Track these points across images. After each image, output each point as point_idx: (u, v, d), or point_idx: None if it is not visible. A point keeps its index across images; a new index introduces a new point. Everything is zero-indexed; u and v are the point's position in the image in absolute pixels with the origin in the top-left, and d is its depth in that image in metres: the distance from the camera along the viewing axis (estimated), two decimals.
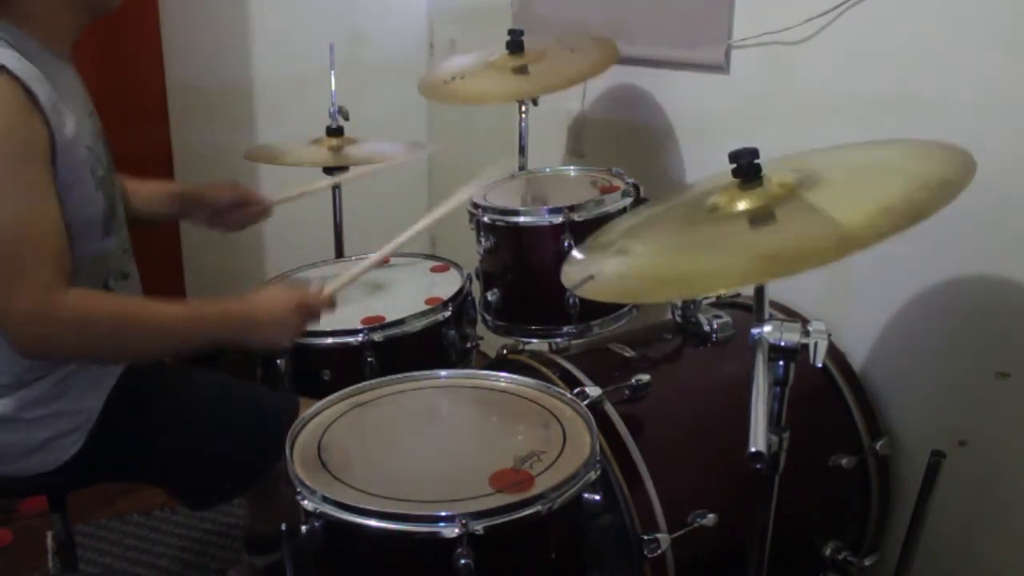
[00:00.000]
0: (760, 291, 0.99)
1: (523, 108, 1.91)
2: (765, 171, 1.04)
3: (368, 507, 0.97)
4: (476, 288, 1.68)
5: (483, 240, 1.62)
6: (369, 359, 1.45)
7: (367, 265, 1.43)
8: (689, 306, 1.52)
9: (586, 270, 1.12)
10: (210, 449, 1.34)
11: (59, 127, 1.17)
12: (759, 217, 1.00)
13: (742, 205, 1.02)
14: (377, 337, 1.46)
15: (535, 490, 0.99)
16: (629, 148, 2.09)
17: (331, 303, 1.35)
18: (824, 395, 1.45)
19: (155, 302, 1.23)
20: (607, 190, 1.67)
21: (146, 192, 1.52)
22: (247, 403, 1.40)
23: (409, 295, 1.61)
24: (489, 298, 1.65)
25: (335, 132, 2.00)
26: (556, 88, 1.84)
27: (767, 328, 0.92)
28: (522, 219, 1.58)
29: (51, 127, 1.16)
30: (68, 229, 1.18)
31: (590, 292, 1.05)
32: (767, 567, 1.06)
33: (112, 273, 1.35)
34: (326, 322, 1.50)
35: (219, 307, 1.27)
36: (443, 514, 0.95)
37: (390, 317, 1.50)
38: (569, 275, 1.13)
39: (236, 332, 1.28)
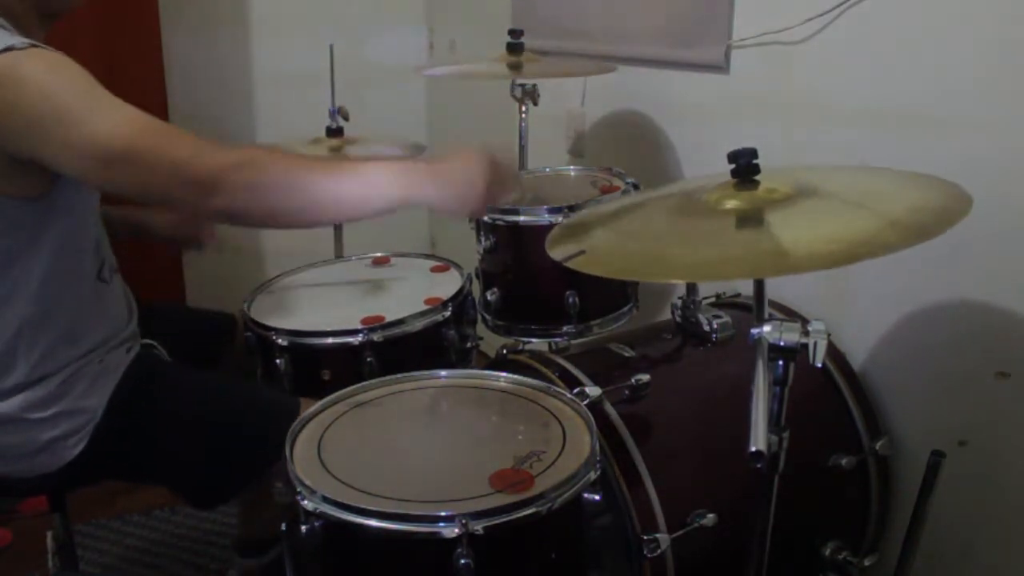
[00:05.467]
0: (760, 291, 1.00)
1: (523, 108, 1.91)
2: (763, 177, 1.04)
3: (368, 507, 0.97)
4: (476, 288, 1.68)
5: (483, 240, 1.62)
6: (369, 359, 1.45)
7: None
8: (689, 306, 1.53)
9: (574, 244, 1.12)
10: (211, 448, 1.34)
11: None
12: (746, 219, 1.01)
13: (731, 204, 1.03)
14: (377, 337, 1.46)
15: (535, 490, 0.99)
16: (629, 148, 2.09)
17: (519, 179, 1.23)
18: (824, 395, 1.45)
19: (331, 157, 1.20)
20: (607, 190, 1.67)
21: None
22: (248, 403, 1.40)
23: (409, 295, 1.61)
24: (489, 298, 1.65)
25: (335, 132, 2.00)
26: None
27: (767, 328, 0.92)
28: (522, 219, 1.57)
29: None
30: (79, 208, 1.20)
31: (580, 265, 1.03)
32: (767, 567, 1.06)
33: (106, 263, 1.35)
34: (325, 322, 1.50)
35: (400, 163, 1.19)
36: (443, 514, 0.95)
37: (390, 317, 1.50)
38: (555, 247, 1.12)
39: (414, 182, 1.17)
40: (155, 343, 1.49)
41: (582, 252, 1.06)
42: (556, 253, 1.07)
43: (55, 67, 1.13)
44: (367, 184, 1.16)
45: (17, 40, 1.12)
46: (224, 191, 1.10)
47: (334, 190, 1.15)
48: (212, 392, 1.40)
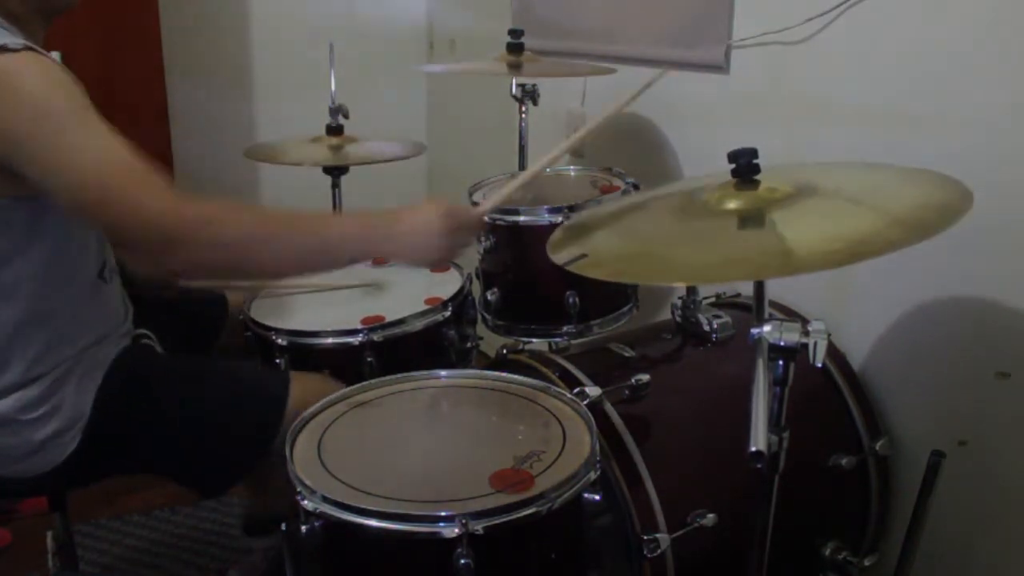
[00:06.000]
0: (760, 291, 0.99)
1: (523, 108, 1.91)
2: (764, 176, 1.04)
3: (368, 507, 0.97)
4: (476, 288, 1.68)
5: (483, 240, 1.62)
6: (369, 359, 1.45)
7: (520, 182, 1.33)
8: (689, 306, 1.53)
9: (576, 247, 1.12)
10: (208, 433, 1.33)
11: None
12: (748, 218, 1.01)
13: (732, 204, 1.03)
14: (377, 337, 1.46)
15: (535, 490, 0.99)
16: (629, 148, 2.09)
17: (480, 221, 1.25)
18: (824, 395, 1.45)
19: (294, 217, 1.17)
20: (607, 190, 1.67)
21: None
22: (238, 383, 1.39)
23: (409, 295, 1.61)
24: (489, 298, 1.65)
25: (335, 131, 2.00)
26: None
27: (767, 328, 0.92)
28: (522, 219, 1.58)
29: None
30: None
31: (582, 269, 1.03)
32: (767, 567, 1.06)
33: (107, 264, 1.35)
34: (326, 322, 1.50)
35: (360, 218, 1.20)
36: (443, 514, 0.95)
37: (390, 317, 1.50)
38: (557, 250, 1.12)
39: (375, 241, 1.21)
40: (147, 332, 1.49)
41: (584, 256, 1.06)
42: (558, 257, 1.07)
43: (50, 82, 1.12)
44: (329, 245, 1.18)
45: (11, 40, 1.12)
46: (188, 246, 1.10)
47: (297, 251, 1.17)
48: (201, 378, 1.38)
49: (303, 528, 1.01)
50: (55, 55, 1.20)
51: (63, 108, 1.11)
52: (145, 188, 1.11)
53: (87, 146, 1.11)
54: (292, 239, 1.16)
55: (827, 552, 1.39)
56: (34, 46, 1.15)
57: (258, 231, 1.14)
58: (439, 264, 1.22)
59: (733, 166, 1.04)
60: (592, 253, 1.08)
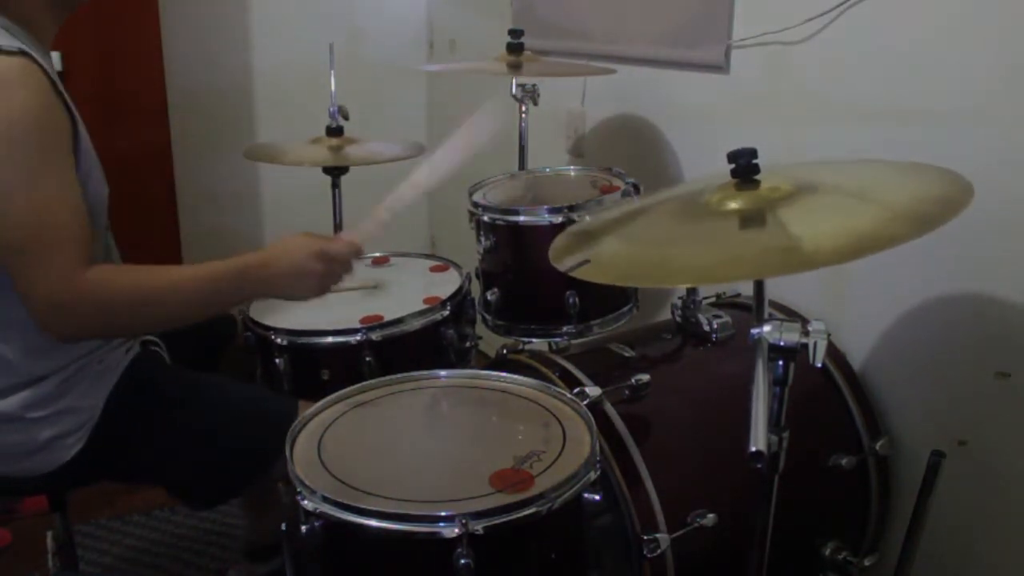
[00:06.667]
0: (760, 291, 0.99)
1: (523, 108, 1.91)
2: (764, 175, 1.04)
3: (368, 507, 0.97)
4: (476, 288, 1.68)
5: (483, 240, 1.62)
6: (367, 359, 1.45)
7: (391, 208, 1.36)
8: (689, 306, 1.53)
9: (579, 253, 1.11)
10: (210, 450, 1.34)
11: (76, 113, 1.18)
12: (749, 218, 1.01)
13: (734, 205, 1.03)
14: (375, 336, 1.46)
15: (535, 490, 0.99)
16: (629, 148, 2.09)
17: (357, 249, 1.30)
18: (824, 395, 1.45)
19: (173, 269, 1.23)
20: (607, 190, 1.67)
21: None
22: (247, 404, 1.40)
23: (408, 294, 1.61)
24: (489, 298, 1.65)
25: (335, 132, 2.00)
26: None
27: (767, 328, 0.92)
28: (522, 219, 1.57)
29: (72, 113, 1.18)
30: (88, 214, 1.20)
31: (585, 274, 1.04)
32: (767, 567, 1.06)
33: (111, 256, 1.35)
34: (325, 321, 1.50)
35: (236, 265, 1.24)
36: (443, 514, 0.95)
37: (388, 316, 1.50)
38: (559, 256, 1.12)
39: (255, 288, 1.28)
40: (157, 340, 1.49)
41: (586, 262, 1.06)
42: (561, 264, 1.07)
43: (23, 106, 1.11)
44: (206, 295, 1.23)
45: (7, 42, 1.11)
46: (75, 314, 1.14)
47: (177, 310, 1.23)
48: (210, 394, 1.39)
49: (303, 528, 1.01)
50: (55, 55, 1.20)
51: (21, 140, 1.11)
52: (53, 254, 1.12)
53: (18, 193, 1.11)
54: (174, 298, 1.21)
55: (827, 552, 1.39)
56: (30, 51, 1.14)
57: (140, 296, 1.19)
58: (314, 296, 1.29)
59: (733, 166, 1.04)
60: (595, 258, 1.08)
